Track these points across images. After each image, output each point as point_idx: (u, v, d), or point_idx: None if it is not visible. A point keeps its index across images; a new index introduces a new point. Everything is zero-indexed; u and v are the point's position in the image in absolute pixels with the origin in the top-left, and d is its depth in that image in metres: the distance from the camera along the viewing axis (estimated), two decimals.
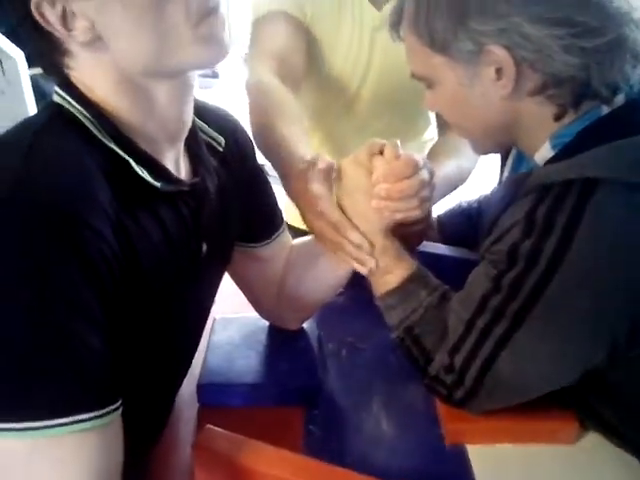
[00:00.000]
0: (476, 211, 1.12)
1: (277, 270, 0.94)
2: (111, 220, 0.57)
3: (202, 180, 0.72)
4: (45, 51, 0.61)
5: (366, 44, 1.20)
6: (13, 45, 1.81)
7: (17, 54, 1.81)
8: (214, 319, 0.99)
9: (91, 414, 0.52)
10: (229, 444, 0.69)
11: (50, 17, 0.57)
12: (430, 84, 0.80)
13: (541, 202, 0.69)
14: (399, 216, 0.80)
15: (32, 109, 2.01)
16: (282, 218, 0.94)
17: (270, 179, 0.93)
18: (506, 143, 0.86)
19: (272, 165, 0.96)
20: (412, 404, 0.88)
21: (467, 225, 1.13)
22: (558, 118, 0.73)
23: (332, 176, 0.83)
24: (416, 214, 0.80)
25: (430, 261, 1.06)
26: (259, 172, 0.89)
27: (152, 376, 0.71)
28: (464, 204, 1.17)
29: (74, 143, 0.59)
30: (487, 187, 1.11)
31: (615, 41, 0.68)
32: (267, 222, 0.91)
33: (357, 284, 0.90)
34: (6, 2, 0.59)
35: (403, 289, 0.82)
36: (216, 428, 0.71)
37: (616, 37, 0.68)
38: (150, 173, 0.63)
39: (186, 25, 0.59)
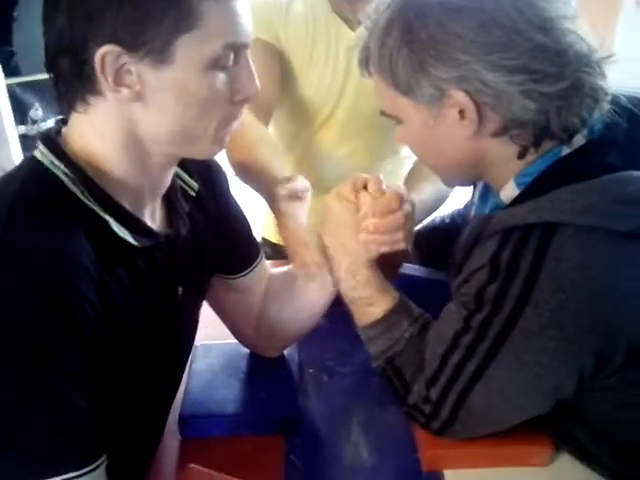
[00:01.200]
0: (451, 226, 1.14)
1: (256, 300, 0.95)
2: (93, 280, 0.59)
3: (176, 228, 0.74)
4: (75, 82, 0.61)
5: (342, 64, 1.20)
6: None
7: None
8: (195, 346, 0.99)
9: (78, 472, 0.54)
10: None
11: (108, 68, 0.58)
12: (398, 121, 0.82)
13: (504, 246, 0.71)
14: (385, 249, 0.83)
15: (7, 116, 1.99)
16: (258, 249, 0.96)
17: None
18: (473, 178, 0.88)
19: (258, 193, 0.99)
20: (391, 430, 0.89)
21: (443, 241, 1.14)
22: (521, 156, 0.75)
23: (304, 195, 0.90)
24: (401, 246, 0.83)
25: (407, 283, 1.08)
26: (234, 206, 0.90)
27: (139, 414, 0.72)
28: (437, 220, 1.19)
29: (55, 204, 0.60)
30: (460, 200, 1.13)
31: (573, 85, 0.69)
32: (244, 255, 0.93)
33: (336, 304, 0.91)
34: (65, 33, 0.58)
35: (386, 320, 0.83)
36: (199, 467, 0.72)
37: (574, 81, 0.69)
38: (129, 230, 0.65)
39: (214, 127, 0.66)
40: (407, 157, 1.37)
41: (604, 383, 0.73)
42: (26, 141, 2.03)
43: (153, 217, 0.72)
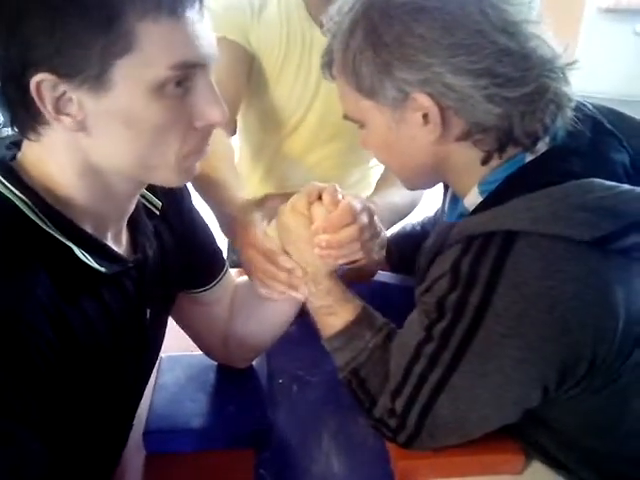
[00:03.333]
0: (421, 233, 1.13)
1: (222, 312, 0.93)
2: (50, 315, 0.56)
3: (142, 250, 0.72)
4: (21, 114, 0.58)
5: (315, 69, 1.19)
6: None
7: None
8: (160, 357, 0.96)
9: None
10: None
11: (46, 96, 0.55)
12: (362, 125, 0.81)
13: (465, 254, 0.70)
14: (342, 261, 0.81)
15: None
16: (224, 260, 0.93)
17: None
18: (436, 181, 0.87)
19: (209, 206, 0.97)
20: (362, 440, 0.87)
21: (413, 248, 1.13)
22: (485, 162, 0.74)
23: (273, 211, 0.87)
24: (359, 256, 0.81)
25: (378, 289, 1.07)
26: (198, 220, 0.88)
27: (100, 432, 0.69)
28: (408, 227, 1.18)
29: (11, 234, 0.57)
30: (431, 208, 1.12)
31: (537, 91, 0.69)
32: (210, 268, 0.90)
33: (305, 312, 0.89)
34: (4, 61, 0.56)
35: (348, 331, 0.82)
36: None
37: (537, 87, 0.69)
38: (94, 257, 0.62)
39: (175, 155, 0.62)
40: (375, 166, 1.36)
41: (569, 393, 0.72)
42: None
43: (118, 241, 0.70)
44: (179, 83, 0.58)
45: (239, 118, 1.33)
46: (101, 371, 0.64)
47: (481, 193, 0.76)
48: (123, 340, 0.68)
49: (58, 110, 0.56)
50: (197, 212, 0.88)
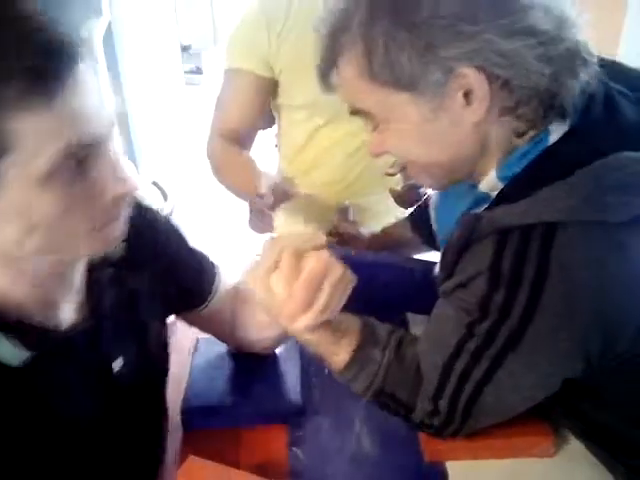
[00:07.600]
0: None
1: (227, 317, 0.92)
2: None
3: (99, 301, 0.70)
4: None
5: None
6: None
7: None
8: (197, 339, 1.00)
9: None
10: (212, 475, 0.71)
11: None
12: (376, 125, 0.75)
13: (503, 249, 0.68)
14: (326, 317, 0.69)
15: None
16: (213, 270, 0.91)
17: None
18: (464, 177, 0.79)
19: (239, 189, 1.09)
20: (393, 421, 0.88)
21: None
22: (522, 135, 0.71)
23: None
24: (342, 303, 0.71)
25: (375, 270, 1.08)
26: (175, 241, 0.85)
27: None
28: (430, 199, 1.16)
29: None
30: None
31: (570, 46, 0.66)
32: (201, 285, 0.89)
33: None
34: None
35: (356, 360, 0.78)
36: (199, 459, 0.72)
37: (570, 43, 0.66)
38: (17, 343, 0.60)
39: (85, 233, 0.58)
40: None
41: (610, 363, 0.72)
42: None
43: (64, 307, 0.67)
44: (79, 162, 0.54)
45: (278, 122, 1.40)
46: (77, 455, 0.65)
47: (500, 179, 0.73)
48: (84, 411, 0.68)
49: None
50: (175, 231, 0.86)
